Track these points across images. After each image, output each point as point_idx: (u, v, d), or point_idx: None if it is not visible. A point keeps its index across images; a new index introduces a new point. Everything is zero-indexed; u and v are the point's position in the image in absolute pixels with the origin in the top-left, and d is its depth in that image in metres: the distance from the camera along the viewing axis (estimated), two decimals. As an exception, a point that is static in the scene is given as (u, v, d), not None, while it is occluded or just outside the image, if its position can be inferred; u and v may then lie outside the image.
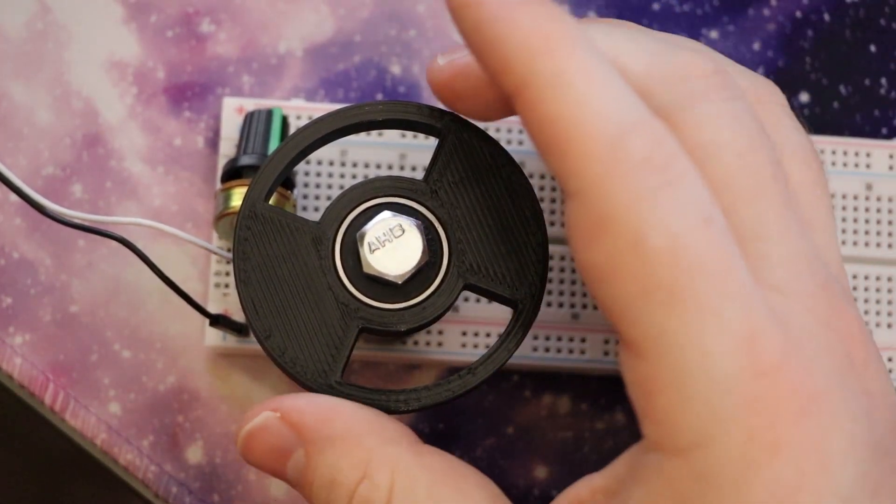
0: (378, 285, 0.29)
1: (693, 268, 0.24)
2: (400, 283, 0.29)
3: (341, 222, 0.29)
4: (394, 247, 0.29)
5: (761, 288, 0.25)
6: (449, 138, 0.29)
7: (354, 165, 0.34)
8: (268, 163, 0.29)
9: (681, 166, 0.24)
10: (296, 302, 0.28)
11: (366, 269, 0.28)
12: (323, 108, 0.34)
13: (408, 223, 0.29)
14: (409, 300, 0.29)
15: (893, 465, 0.25)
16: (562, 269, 0.34)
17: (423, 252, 0.29)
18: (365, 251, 0.28)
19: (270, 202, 0.29)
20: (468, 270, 0.29)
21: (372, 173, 0.34)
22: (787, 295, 0.25)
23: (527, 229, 0.29)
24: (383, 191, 0.29)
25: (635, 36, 0.27)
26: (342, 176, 0.34)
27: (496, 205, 0.29)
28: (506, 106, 0.28)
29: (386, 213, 0.29)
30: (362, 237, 0.29)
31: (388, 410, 0.28)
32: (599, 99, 0.25)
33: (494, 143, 0.29)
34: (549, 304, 0.34)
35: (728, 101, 0.26)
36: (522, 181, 0.29)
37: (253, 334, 0.29)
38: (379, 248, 0.29)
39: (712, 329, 0.24)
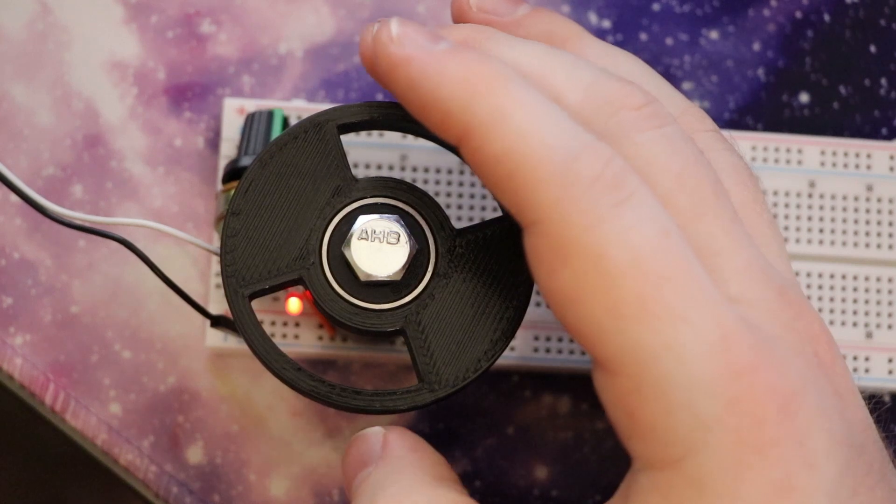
0: (377, 287, 0.29)
1: (658, 278, 0.24)
2: (399, 278, 0.29)
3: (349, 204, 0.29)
4: (379, 248, 0.29)
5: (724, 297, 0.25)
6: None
7: (355, 166, 0.34)
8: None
9: (632, 182, 0.25)
10: (282, 212, 0.28)
11: (362, 279, 0.28)
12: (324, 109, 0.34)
13: (389, 227, 0.29)
14: (408, 291, 0.29)
15: (869, 463, 0.25)
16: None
17: (411, 243, 0.29)
18: (362, 265, 0.28)
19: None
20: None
21: (372, 174, 0.34)
22: (747, 303, 0.25)
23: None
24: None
25: (571, 64, 0.27)
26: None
27: None
28: None
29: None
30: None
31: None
32: (542, 128, 0.25)
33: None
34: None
35: (660, 129, 0.26)
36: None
37: (226, 208, 0.28)
38: (370, 255, 0.29)
39: (685, 335, 0.24)
